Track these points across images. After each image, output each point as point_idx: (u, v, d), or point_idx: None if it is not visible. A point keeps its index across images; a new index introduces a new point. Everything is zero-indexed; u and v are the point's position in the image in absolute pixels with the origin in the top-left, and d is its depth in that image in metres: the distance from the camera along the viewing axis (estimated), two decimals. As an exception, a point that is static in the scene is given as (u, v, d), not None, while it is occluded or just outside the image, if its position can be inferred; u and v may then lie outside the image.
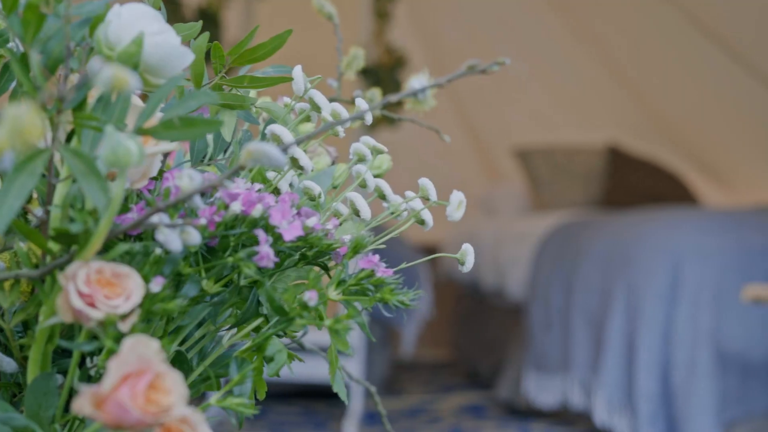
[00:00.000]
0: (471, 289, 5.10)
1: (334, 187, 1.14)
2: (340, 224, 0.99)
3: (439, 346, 5.89)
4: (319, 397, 4.39)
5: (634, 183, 4.90)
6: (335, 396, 4.37)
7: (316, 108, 0.98)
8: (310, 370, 3.91)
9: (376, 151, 1.00)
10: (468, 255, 0.97)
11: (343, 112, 0.99)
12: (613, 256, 3.58)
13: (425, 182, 0.99)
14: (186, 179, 0.78)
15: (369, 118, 0.98)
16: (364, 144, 1.03)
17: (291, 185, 1.01)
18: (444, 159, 5.88)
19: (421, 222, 0.98)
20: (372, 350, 4.35)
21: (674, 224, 3.52)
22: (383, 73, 3.96)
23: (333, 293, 0.89)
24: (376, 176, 1.23)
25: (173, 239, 0.79)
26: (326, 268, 0.94)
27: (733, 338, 3.32)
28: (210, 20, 3.91)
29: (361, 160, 1.02)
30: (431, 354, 5.85)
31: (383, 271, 0.89)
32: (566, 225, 4.11)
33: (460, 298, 5.30)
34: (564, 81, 5.49)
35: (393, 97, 0.81)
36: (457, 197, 0.97)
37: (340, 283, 0.89)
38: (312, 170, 1.14)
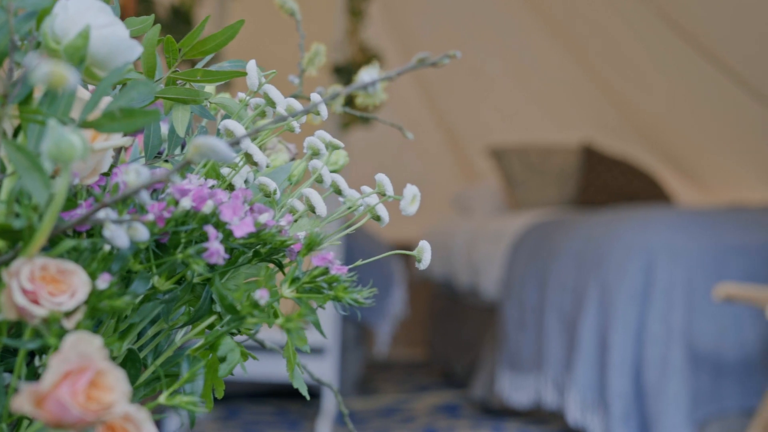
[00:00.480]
0: (446, 288, 5.09)
1: (293, 183, 1.13)
2: (296, 221, 0.98)
3: (414, 345, 5.89)
4: (293, 396, 4.37)
5: (609, 182, 4.91)
6: (309, 396, 4.36)
7: (271, 103, 0.97)
8: (283, 369, 3.90)
9: (331, 146, 0.99)
10: (424, 252, 0.96)
11: (299, 108, 0.97)
12: (586, 255, 3.59)
13: (381, 177, 0.98)
14: (132, 174, 0.77)
15: (324, 113, 0.97)
16: (319, 138, 1.02)
17: (247, 182, 1.00)
18: (420, 158, 5.88)
19: (377, 218, 0.97)
20: (346, 350, 4.34)
21: (647, 223, 3.53)
22: (357, 72, 3.94)
23: (287, 291, 0.88)
24: (332, 172, 1.22)
25: (120, 235, 0.78)
26: (281, 266, 0.93)
27: (705, 337, 3.33)
28: (183, 18, 3.88)
29: (316, 154, 1.01)
30: (406, 353, 5.84)
31: (337, 269, 0.88)
32: (540, 224, 4.11)
33: (435, 298, 5.29)
34: (539, 80, 5.49)
35: (343, 91, 0.80)
36: (411, 191, 0.96)
37: (294, 280, 0.88)
38: (268, 166, 1.13)
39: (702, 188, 5.35)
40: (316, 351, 4.06)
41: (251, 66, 0.97)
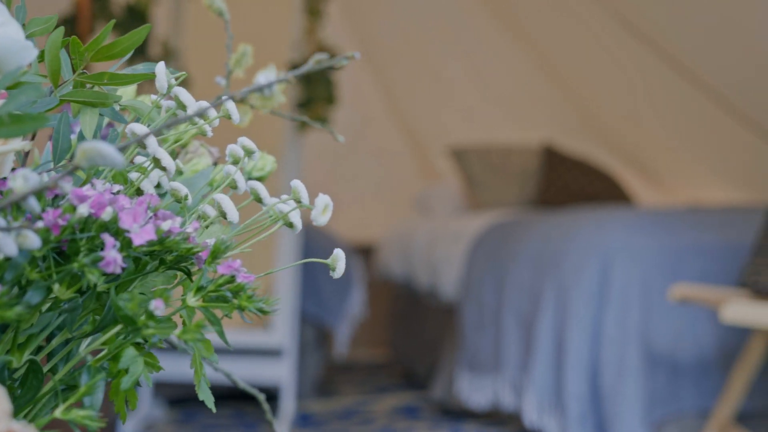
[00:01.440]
0: (406, 288, 5.07)
1: (215, 189, 1.10)
2: (206, 227, 0.96)
3: (375, 346, 5.87)
4: (251, 399, 4.34)
5: (569, 182, 4.90)
6: (268, 398, 4.33)
7: (182, 106, 0.94)
8: (239, 371, 3.86)
9: (248, 152, 0.97)
10: (339, 261, 0.94)
11: (211, 111, 0.95)
12: (543, 256, 3.58)
13: (297, 184, 0.95)
14: (20, 180, 0.74)
15: (236, 117, 0.94)
16: (241, 146, 0.99)
17: (159, 185, 0.98)
18: (381, 159, 5.86)
19: (290, 225, 0.94)
20: (305, 351, 4.31)
21: (603, 224, 3.52)
22: (315, 72, 3.91)
23: (192, 300, 0.86)
24: (259, 178, 1.20)
25: (7, 243, 0.75)
26: (188, 274, 0.90)
27: (661, 338, 3.33)
28: (138, 17, 3.84)
29: (236, 161, 0.98)
30: (368, 354, 5.82)
31: (244, 277, 0.86)
32: (499, 225, 4.10)
33: (396, 298, 5.27)
34: (499, 82, 5.49)
35: (239, 94, 0.78)
36: (322, 201, 0.93)
37: (199, 289, 0.86)
38: (181, 172, 1.10)
39: (662, 188, 5.36)
40: (274, 353, 4.03)
41: (160, 68, 0.95)
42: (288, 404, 3.87)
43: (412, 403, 4.33)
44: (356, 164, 5.80)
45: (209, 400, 0.93)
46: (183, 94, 0.94)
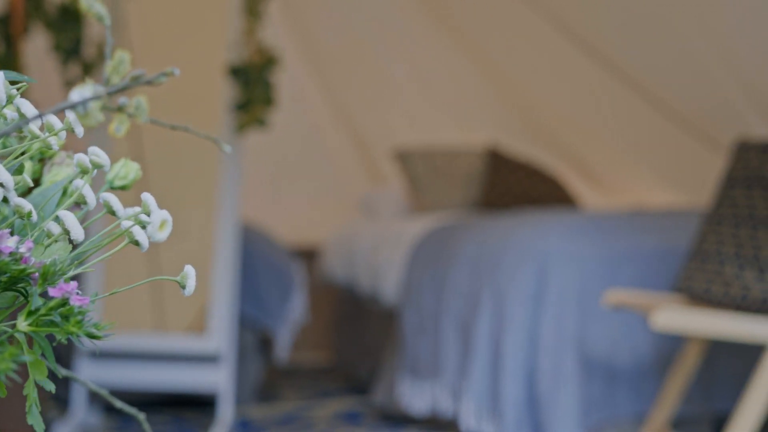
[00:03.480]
0: (349, 292, 5.03)
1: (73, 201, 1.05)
2: (49, 245, 0.91)
3: (319, 350, 5.82)
4: (190, 405, 4.29)
5: (514, 185, 4.89)
6: (206, 404, 4.27)
7: (23, 117, 0.89)
8: (177, 378, 3.81)
9: (95, 165, 0.92)
10: (188, 278, 0.89)
11: (56, 122, 0.90)
12: (481, 260, 3.55)
13: (146, 197, 0.91)
14: None
15: (80, 131, 0.90)
16: (90, 155, 0.94)
17: (6, 200, 0.93)
18: (327, 161, 5.81)
19: (136, 243, 0.90)
20: (246, 357, 4.26)
21: (540, 228, 3.50)
22: (254, 73, 3.86)
23: (22, 324, 0.81)
24: (122, 187, 1.15)
25: None
26: (25, 295, 0.86)
27: (598, 343, 3.32)
28: (72, 18, 3.77)
29: (85, 171, 0.94)
30: (312, 358, 5.77)
31: (78, 300, 0.81)
32: (439, 228, 4.07)
33: (340, 302, 5.23)
34: (443, 85, 5.47)
35: (52, 110, 0.73)
36: (159, 216, 0.89)
37: (31, 313, 0.81)
38: (37, 185, 1.05)
39: (606, 192, 5.36)
40: (212, 359, 3.98)
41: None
42: (226, 411, 3.82)
43: (354, 409, 4.29)
44: (302, 166, 5.75)
45: (39, 427, 0.88)
46: (24, 105, 0.89)
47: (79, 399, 3.78)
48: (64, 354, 3.91)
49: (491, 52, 5.06)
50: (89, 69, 3.79)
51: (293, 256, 4.74)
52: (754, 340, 2.67)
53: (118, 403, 1.29)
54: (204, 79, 3.97)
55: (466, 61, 5.28)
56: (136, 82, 0.75)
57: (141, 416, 1.38)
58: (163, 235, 0.89)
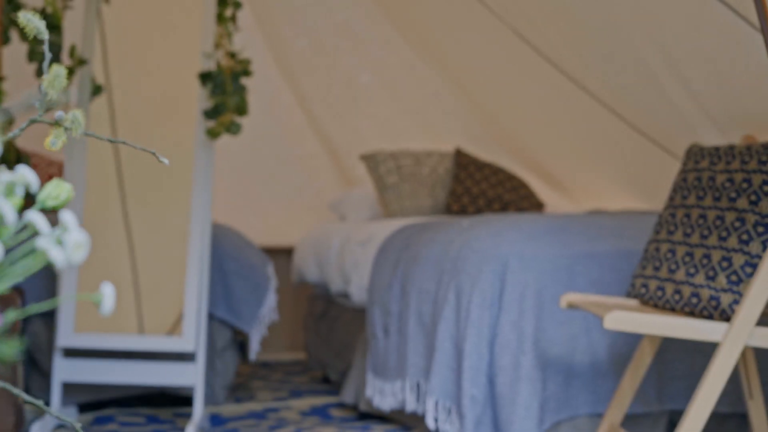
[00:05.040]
0: (321, 292, 5.14)
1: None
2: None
3: (294, 348, 5.93)
4: (165, 402, 4.38)
5: (483, 189, 4.99)
6: (180, 401, 4.37)
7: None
8: (151, 375, 3.90)
9: (10, 187, 1.00)
10: (106, 297, 0.97)
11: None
12: (444, 261, 3.63)
13: (66, 217, 0.98)
14: None
15: None
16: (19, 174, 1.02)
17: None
18: (301, 165, 5.92)
19: (51, 265, 0.99)
20: (219, 354, 4.36)
21: (501, 230, 3.59)
22: (224, 79, 3.95)
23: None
24: (54, 207, 1.22)
25: None
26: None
27: (556, 343, 3.40)
28: (51, 24, 3.85)
29: (8, 194, 1.02)
30: (286, 356, 5.87)
31: None
32: (404, 230, 4.17)
33: (313, 301, 5.33)
34: (410, 93, 5.57)
35: None
36: (74, 239, 0.96)
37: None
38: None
39: (569, 198, 5.47)
40: (184, 356, 4.08)
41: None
42: (197, 408, 3.91)
43: (325, 407, 4.39)
44: (276, 170, 5.85)
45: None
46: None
47: (53, 395, 3.86)
48: (46, 351, 4.00)
49: (456, 60, 5.16)
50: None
51: (268, 257, 4.84)
52: (702, 338, 2.73)
53: (54, 413, 1.38)
54: (181, 85, 4.05)
55: (432, 71, 5.39)
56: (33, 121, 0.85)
57: (77, 425, 1.48)
58: (79, 256, 0.95)
